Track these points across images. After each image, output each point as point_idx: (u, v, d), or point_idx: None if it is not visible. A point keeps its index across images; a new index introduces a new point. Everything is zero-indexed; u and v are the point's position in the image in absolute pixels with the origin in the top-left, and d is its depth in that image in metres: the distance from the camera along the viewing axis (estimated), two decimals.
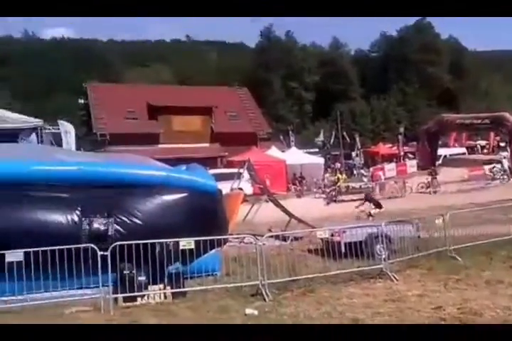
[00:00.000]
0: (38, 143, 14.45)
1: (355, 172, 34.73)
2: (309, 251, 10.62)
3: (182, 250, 7.53)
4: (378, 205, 16.20)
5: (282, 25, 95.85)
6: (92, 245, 7.14)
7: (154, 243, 7.46)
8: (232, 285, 7.77)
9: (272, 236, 9.91)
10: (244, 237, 9.89)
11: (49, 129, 15.35)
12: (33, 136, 14.58)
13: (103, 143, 31.73)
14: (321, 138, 42.60)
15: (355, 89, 66.48)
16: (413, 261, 9.10)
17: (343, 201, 22.82)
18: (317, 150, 41.25)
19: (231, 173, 17.91)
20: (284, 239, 10.34)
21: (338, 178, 26.25)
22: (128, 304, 7.19)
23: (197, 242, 7.56)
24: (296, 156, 31.13)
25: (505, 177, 26.89)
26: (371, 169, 32.11)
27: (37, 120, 15.10)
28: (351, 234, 9.44)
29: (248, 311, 6.68)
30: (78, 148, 18.05)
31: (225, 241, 8.82)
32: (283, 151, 33.03)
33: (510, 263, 8.92)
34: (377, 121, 59.99)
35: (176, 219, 8.31)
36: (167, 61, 72.60)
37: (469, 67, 67.55)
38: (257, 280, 7.64)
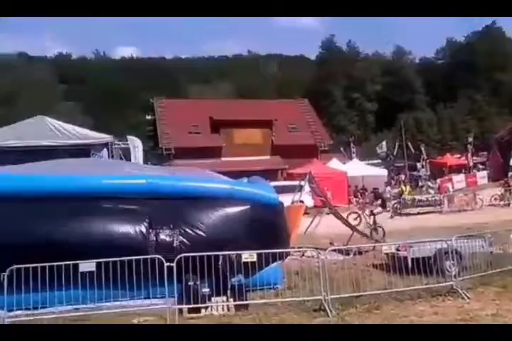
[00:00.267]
0: (109, 157, 15.16)
1: (420, 184, 33.62)
2: (373, 266, 10.31)
3: (244, 262, 7.59)
4: (383, 205, 16.42)
5: (343, 36, 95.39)
6: (159, 256, 7.32)
7: (218, 255, 7.57)
8: (295, 299, 7.69)
9: (334, 250, 9.75)
10: (305, 250, 9.80)
11: (118, 144, 16.01)
12: (104, 151, 15.33)
13: (168, 157, 32.87)
14: (384, 148, 41.64)
15: (421, 97, 64.66)
16: (486, 278, 8.59)
17: (408, 214, 22.15)
18: (379, 161, 40.35)
19: (292, 186, 17.89)
20: (347, 253, 10.15)
21: (402, 190, 25.55)
22: (192, 315, 7.31)
23: (259, 255, 7.59)
24: (357, 168, 30.64)
25: None
26: (438, 181, 31.00)
27: (107, 136, 15.85)
28: (419, 249, 9.10)
29: None
30: (145, 162, 18.71)
31: (287, 254, 8.78)
32: (344, 163, 32.61)
33: None
34: (444, 131, 57.86)
35: (238, 232, 8.39)
36: (229, 75, 74.23)
37: None
38: (319, 294, 7.51)
